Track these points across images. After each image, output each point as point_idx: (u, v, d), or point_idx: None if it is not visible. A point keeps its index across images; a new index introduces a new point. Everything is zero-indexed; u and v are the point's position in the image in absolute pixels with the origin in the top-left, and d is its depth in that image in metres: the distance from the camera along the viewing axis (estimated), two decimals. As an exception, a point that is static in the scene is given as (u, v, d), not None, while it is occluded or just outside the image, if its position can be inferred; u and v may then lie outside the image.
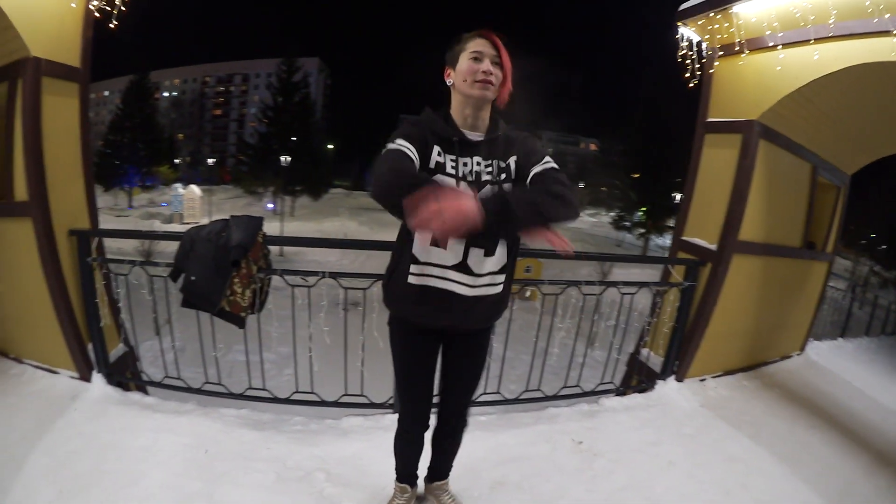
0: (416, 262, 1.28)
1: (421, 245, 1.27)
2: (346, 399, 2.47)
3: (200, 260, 2.21)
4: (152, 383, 2.65)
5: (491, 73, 1.20)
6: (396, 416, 1.56)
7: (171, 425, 2.18)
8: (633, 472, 2.10)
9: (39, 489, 1.73)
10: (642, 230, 28.75)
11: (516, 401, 2.70)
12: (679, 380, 3.03)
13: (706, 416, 2.71)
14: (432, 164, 1.21)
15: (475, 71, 1.20)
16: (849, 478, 2.32)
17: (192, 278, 2.20)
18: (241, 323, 2.27)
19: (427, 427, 1.50)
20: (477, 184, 1.22)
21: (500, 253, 1.29)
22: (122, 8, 2.44)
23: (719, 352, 3.19)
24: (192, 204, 27.28)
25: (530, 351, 2.76)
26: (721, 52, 2.86)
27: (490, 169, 1.25)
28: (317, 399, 2.47)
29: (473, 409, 2.54)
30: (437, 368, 1.45)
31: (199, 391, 2.53)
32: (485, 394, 2.58)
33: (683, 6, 2.75)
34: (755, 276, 3.24)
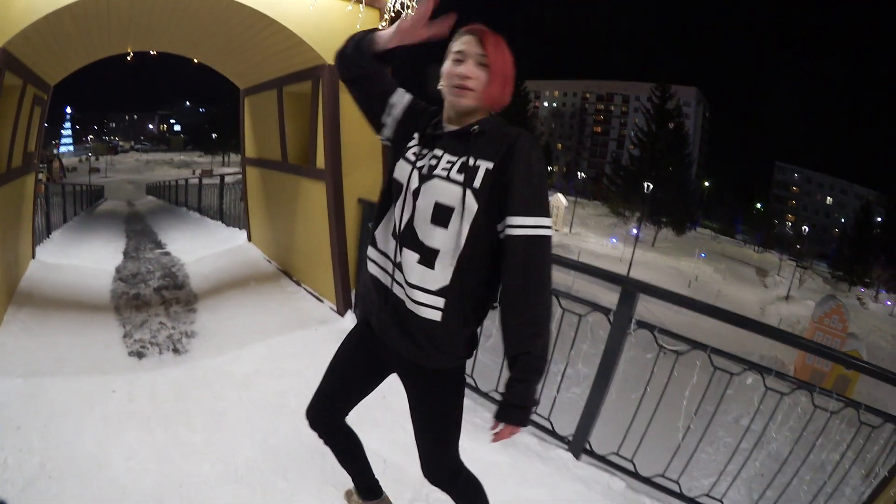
0: None
1: None
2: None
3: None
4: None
5: (468, 77, 1.06)
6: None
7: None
8: None
9: (224, 350, 2.37)
10: None
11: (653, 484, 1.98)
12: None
13: None
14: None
15: (451, 75, 1.08)
16: None
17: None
18: None
19: (322, 431, 1.37)
20: (426, 178, 1.09)
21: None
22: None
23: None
24: (555, 212, 29.49)
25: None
26: None
27: (448, 165, 1.07)
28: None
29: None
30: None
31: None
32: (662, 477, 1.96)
33: None
34: None
